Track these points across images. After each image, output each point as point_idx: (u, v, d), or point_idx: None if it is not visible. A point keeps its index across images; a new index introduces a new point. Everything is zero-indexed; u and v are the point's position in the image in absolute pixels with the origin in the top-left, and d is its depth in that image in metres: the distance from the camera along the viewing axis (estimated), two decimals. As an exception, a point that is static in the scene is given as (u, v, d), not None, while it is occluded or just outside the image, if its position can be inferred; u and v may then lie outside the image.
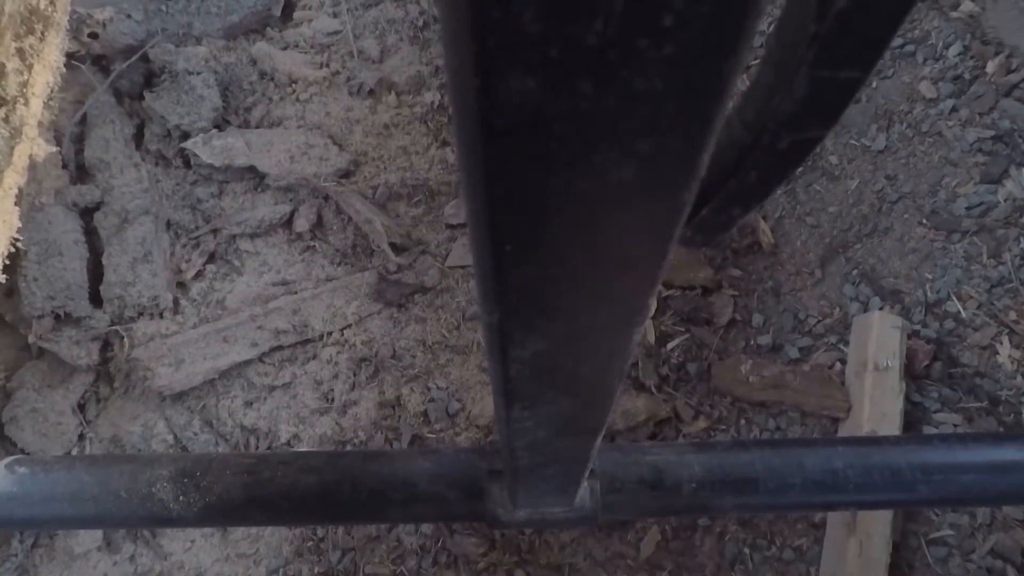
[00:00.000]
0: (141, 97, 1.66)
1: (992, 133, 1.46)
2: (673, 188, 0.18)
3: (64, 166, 1.56)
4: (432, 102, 1.70)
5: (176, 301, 1.52)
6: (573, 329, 0.24)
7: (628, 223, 0.19)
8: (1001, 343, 1.34)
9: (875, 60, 0.18)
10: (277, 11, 1.81)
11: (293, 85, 1.72)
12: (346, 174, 1.63)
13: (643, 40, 0.14)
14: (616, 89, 0.15)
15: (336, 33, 1.80)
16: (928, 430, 1.33)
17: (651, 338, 1.47)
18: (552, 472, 0.33)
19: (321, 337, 1.51)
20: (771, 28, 0.19)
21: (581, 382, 0.29)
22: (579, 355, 0.26)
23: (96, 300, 1.49)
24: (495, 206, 0.18)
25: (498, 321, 0.24)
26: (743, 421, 1.43)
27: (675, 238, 0.20)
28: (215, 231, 1.59)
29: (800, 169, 1.59)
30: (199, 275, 1.57)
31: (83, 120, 1.61)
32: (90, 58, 1.65)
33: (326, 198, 1.61)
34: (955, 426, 1.32)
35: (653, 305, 0.24)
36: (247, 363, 1.49)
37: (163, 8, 1.72)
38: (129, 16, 1.67)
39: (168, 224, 1.58)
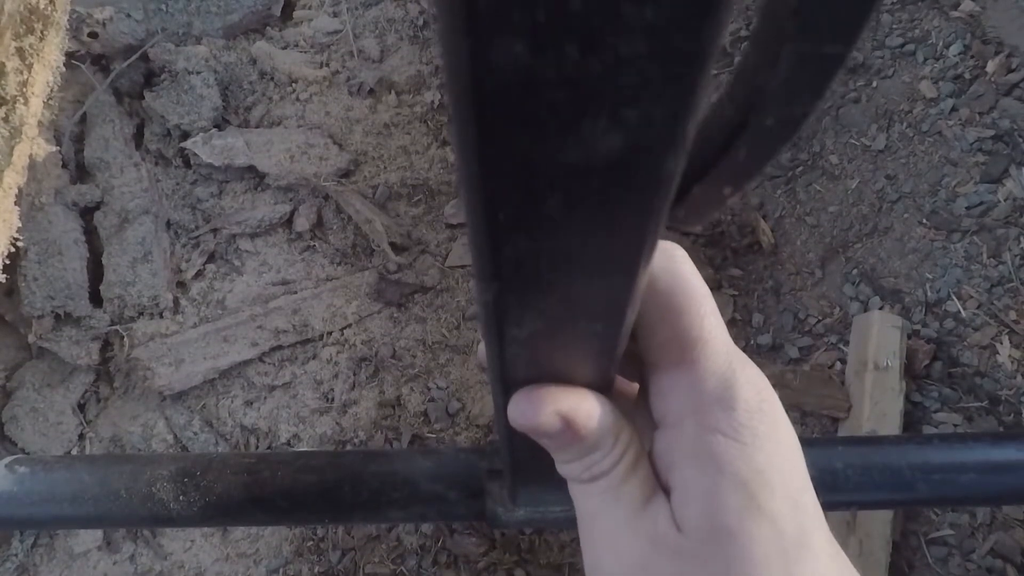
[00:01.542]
0: (141, 97, 1.66)
1: (992, 133, 1.46)
2: (660, 158, 0.18)
3: (64, 166, 1.56)
4: (432, 102, 1.70)
5: (176, 301, 1.52)
6: (568, 305, 0.24)
7: (617, 193, 0.19)
8: (1001, 343, 1.34)
9: (856, 34, 0.18)
10: (277, 10, 1.81)
11: (293, 85, 1.72)
12: (346, 174, 1.63)
13: (627, 5, 0.15)
14: (602, 54, 0.16)
15: (336, 33, 1.80)
16: (928, 430, 1.33)
17: (651, 338, 1.47)
18: (551, 466, 0.33)
19: (321, 337, 1.51)
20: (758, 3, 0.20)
21: (577, 367, 0.29)
22: (574, 336, 0.27)
23: (96, 300, 1.49)
24: (488, 174, 0.19)
25: (493, 298, 0.24)
26: (743, 421, 1.43)
27: (664, 211, 0.21)
28: (215, 231, 1.59)
29: (799, 168, 1.59)
30: (199, 275, 1.57)
31: (83, 120, 1.61)
32: (90, 58, 1.65)
33: (326, 198, 1.61)
34: (955, 426, 1.32)
35: (645, 287, 0.25)
36: (247, 363, 1.49)
37: (163, 7, 1.72)
38: (129, 15, 1.67)
39: (168, 224, 1.58)
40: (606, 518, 0.30)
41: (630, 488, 0.30)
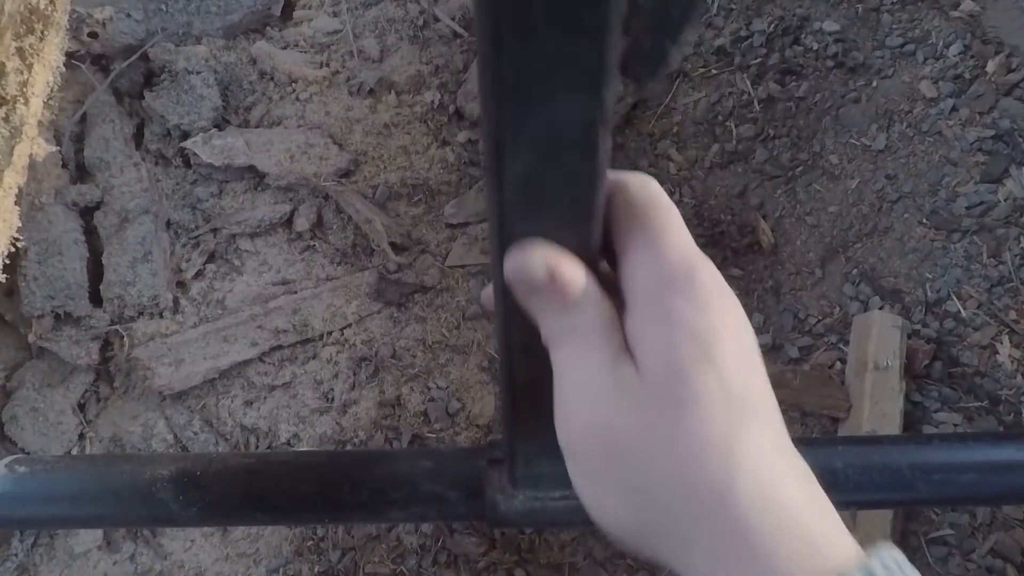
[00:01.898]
0: (141, 97, 1.66)
1: (992, 133, 1.47)
2: None
3: (64, 166, 1.56)
4: (432, 102, 1.70)
5: (176, 301, 1.52)
6: (552, 130, 0.31)
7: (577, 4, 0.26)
8: (1001, 343, 1.35)
9: None
10: (277, 10, 1.81)
11: (293, 85, 1.72)
12: (346, 174, 1.63)
13: None
14: None
15: (336, 33, 1.80)
16: (928, 430, 1.33)
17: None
18: (547, 412, 0.37)
19: (321, 337, 1.51)
20: None
21: (563, 230, 0.34)
22: (560, 175, 0.32)
23: (96, 300, 1.49)
24: None
25: (494, 124, 0.30)
26: (743, 421, 1.43)
27: (617, 22, 0.26)
28: (215, 231, 1.59)
29: (799, 168, 1.59)
30: (199, 275, 1.57)
31: (83, 120, 1.61)
32: (90, 58, 1.65)
33: (326, 198, 1.61)
34: (955, 426, 1.32)
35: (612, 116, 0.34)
36: (247, 363, 1.49)
37: (163, 7, 1.72)
38: (129, 15, 1.67)
39: (168, 224, 1.58)
40: (579, 370, 0.34)
41: (603, 344, 0.34)
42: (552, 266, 0.33)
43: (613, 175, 0.36)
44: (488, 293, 0.40)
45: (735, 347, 0.33)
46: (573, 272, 0.34)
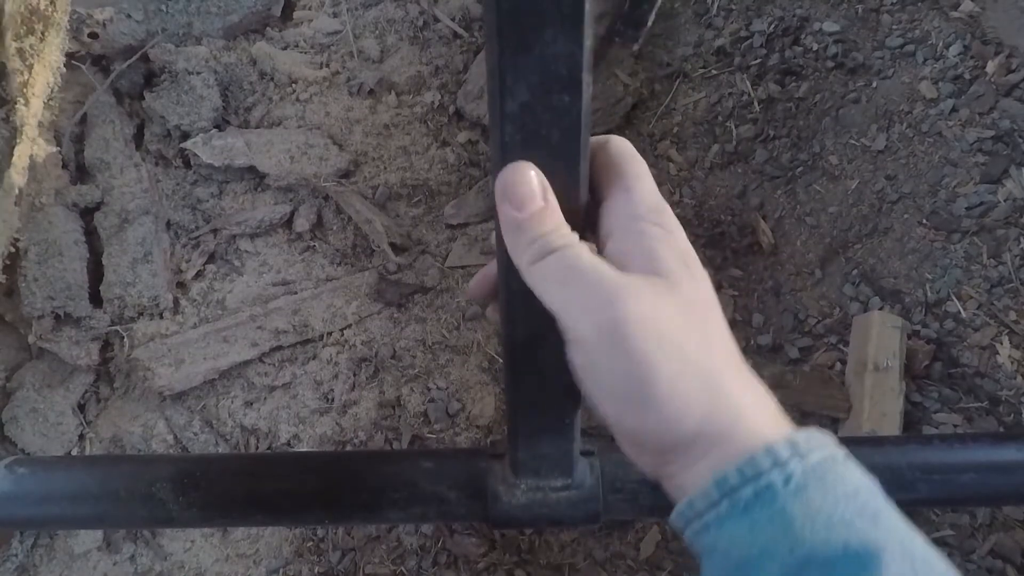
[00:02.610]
0: (141, 97, 1.66)
1: (992, 133, 1.47)
2: None
3: (64, 166, 1.56)
4: (432, 102, 1.70)
5: (176, 301, 1.52)
6: (542, 69, 0.35)
7: None
8: (1001, 343, 1.34)
9: None
10: (277, 11, 1.81)
11: (293, 85, 1.72)
12: (346, 174, 1.63)
13: None
14: None
15: (336, 33, 1.80)
16: (928, 430, 1.33)
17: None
18: (550, 373, 0.43)
19: (321, 337, 1.51)
20: None
21: (557, 147, 0.38)
22: (549, 111, 0.37)
23: (96, 300, 1.49)
24: None
25: (498, 61, 0.35)
26: (743, 421, 1.43)
27: None
28: (215, 231, 1.59)
29: (800, 168, 1.59)
30: (199, 275, 1.57)
31: (83, 120, 1.61)
32: (90, 58, 1.65)
33: (326, 198, 1.61)
34: (955, 426, 1.32)
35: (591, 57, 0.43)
36: (247, 363, 1.49)
37: (163, 8, 1.72)
38: (129, 16, 1.67)
39: (168, 224, 1.58)
40: (572, 269, 0.39)
41: (587, 251, 0.39)
42: (542, 180, 0.39)
43: (594, 138, 0.42)
44: (476, 281, 0.47)
45: (700, 269, 0.41)
46: (553, 199, 0.40)
